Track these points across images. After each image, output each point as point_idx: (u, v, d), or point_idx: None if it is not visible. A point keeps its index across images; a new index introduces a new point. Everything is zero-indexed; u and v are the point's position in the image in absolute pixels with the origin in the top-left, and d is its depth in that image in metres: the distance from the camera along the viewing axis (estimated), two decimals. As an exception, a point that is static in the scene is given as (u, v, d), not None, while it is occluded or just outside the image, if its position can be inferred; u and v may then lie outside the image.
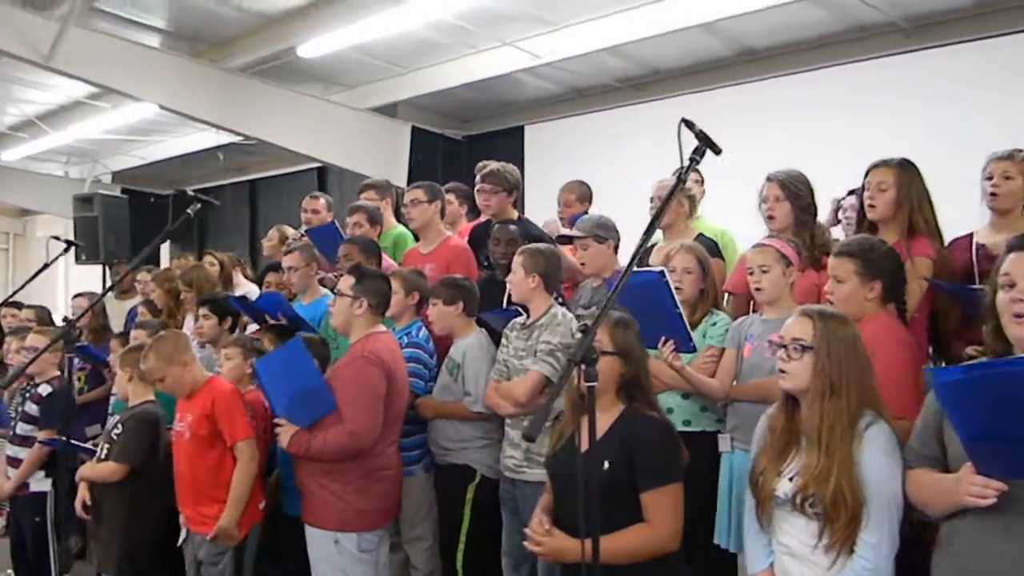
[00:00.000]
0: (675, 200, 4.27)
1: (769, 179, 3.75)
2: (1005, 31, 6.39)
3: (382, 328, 3.69)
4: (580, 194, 5.42)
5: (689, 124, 2.24)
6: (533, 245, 3.76)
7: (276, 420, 3.60)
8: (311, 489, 3.56)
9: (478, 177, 5.38)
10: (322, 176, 11.45)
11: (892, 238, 3.34)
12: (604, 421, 2.67)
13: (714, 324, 3.58)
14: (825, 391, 2.44)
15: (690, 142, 2.32)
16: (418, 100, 9.33)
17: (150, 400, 4.07)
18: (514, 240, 4.34)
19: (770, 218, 3.73)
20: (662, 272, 3.32)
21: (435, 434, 3.94)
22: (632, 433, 2.63)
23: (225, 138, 9.87)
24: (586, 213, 5.51)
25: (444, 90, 8.90)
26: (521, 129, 9.38)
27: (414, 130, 9.47)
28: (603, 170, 7.10)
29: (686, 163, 2.25)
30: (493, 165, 4.80)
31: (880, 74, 6.88)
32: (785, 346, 2.51)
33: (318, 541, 3.51)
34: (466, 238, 4.93)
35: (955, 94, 6.44)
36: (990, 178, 3.44)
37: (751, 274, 3.35)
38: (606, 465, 2.59)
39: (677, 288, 3.47)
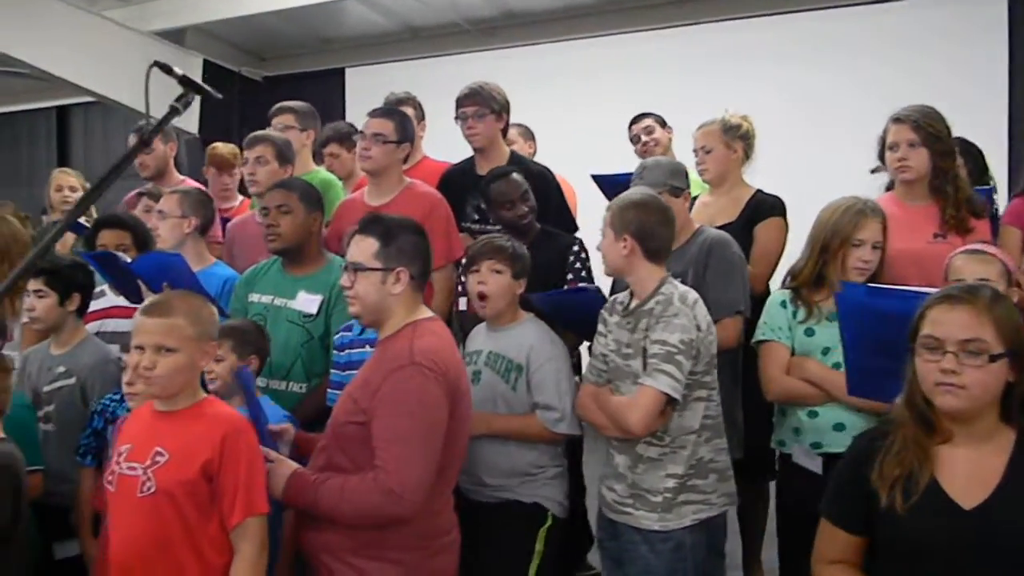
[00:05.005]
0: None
1: (898, 120, 2.96)
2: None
3: (427, 312, 2.43)
4: (523, 131, 4.37)
5: None
6: (624, 197, 2.66)
7: (266, 453, 2.26)
8: (329, 570, 2.26)
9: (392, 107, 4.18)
10: (63, 117, 9.22)
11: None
12: (991, 460, 1.79)
13: None
14: None
15: None
16: (212, 27, 7.65)
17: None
18: (527, 193, 3.24)
19: (902, 169, 2.94)
20: None
21: (475, 462, 2.72)
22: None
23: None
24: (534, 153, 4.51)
25: (246, 17, 7.34)
26: (341, 72, 7.96)
27: (206, 65, 7.73)
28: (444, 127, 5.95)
29: None
30: (472, 84, 3.62)
31: (757, 34, 6.41)
32: None
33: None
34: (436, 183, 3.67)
35: (817, 59, 6.11)
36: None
37: None
38: None
39: (864, 269, 2.66)
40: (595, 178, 3.68)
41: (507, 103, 3.65)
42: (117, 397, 2.98)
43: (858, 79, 5.82)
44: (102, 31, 7.08)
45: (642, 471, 2.50)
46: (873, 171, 3.67)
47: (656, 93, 5.67)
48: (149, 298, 2.98)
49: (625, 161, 4.41)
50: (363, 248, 2.34)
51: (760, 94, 5.39)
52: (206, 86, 1.85)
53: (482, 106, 3.56)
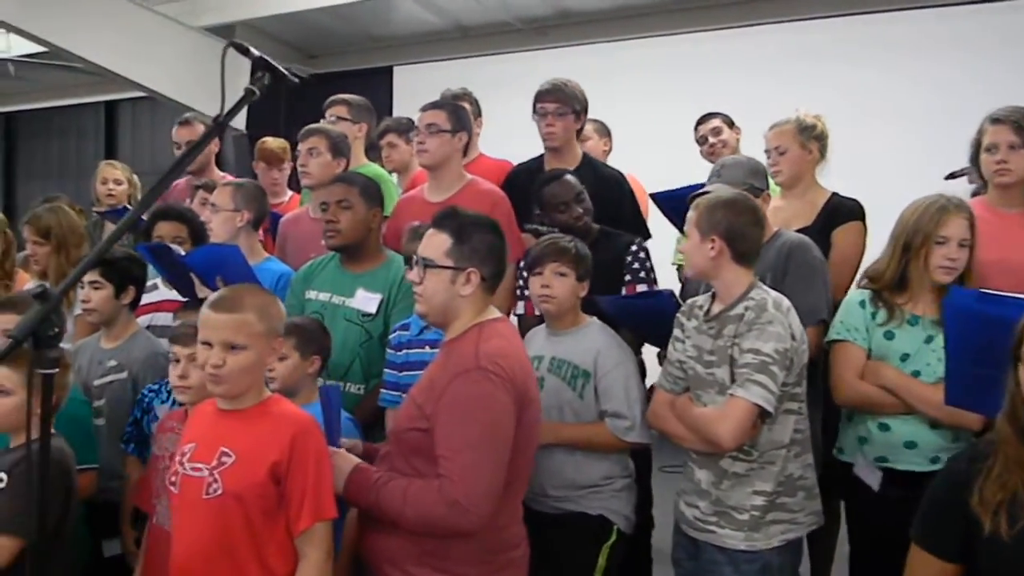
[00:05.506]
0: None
1: (997, 120, 2.80)
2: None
3: (496, 312, 2.31)
4: (598, 127, 4.25)
5: None
6: (712, 196, 2.52)
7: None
8: (392, 579, 2.15)
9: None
10: (111, 112, 9.24)
11: None
12: None
13: None
14: None
15: None
16: (262, 23, 7.60)
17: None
18: (581, 195, 3.12)
19: (1002, 172, 2.78)
20: None
21: (540, 472, 2.60)
22: None
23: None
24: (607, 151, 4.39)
25: (295, 13, 7.30)
26: (389, 71, 7.90)
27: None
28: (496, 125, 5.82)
29: None
30: (554, 80, 3.51)
31: (814, 36, 6.24)
32: None
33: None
34: (500, 182, 3.56)
35: (888, 61, 5.94)
36: None
37: None
38: None
39: (951, 268, 2.48)
40: (654, 197, 3.38)
41: (587, 104, 3.54)
42: (156, 388, 2.91)
43: (923, 81, 5.67)
44: (153, 26, 7.05)
45: (727, 487, 2.37)
46: (948, 177, 3.52)
47: (714, 94, 5.46)
48: (214, 292, 2.92)
49: (685, 164, 4.28)
50: (435, 243, 2.22)
51: (824, 95, 5.21)
52: (283, 68, 1.75)
53: (564, 104, 3.45)
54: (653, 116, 6.23)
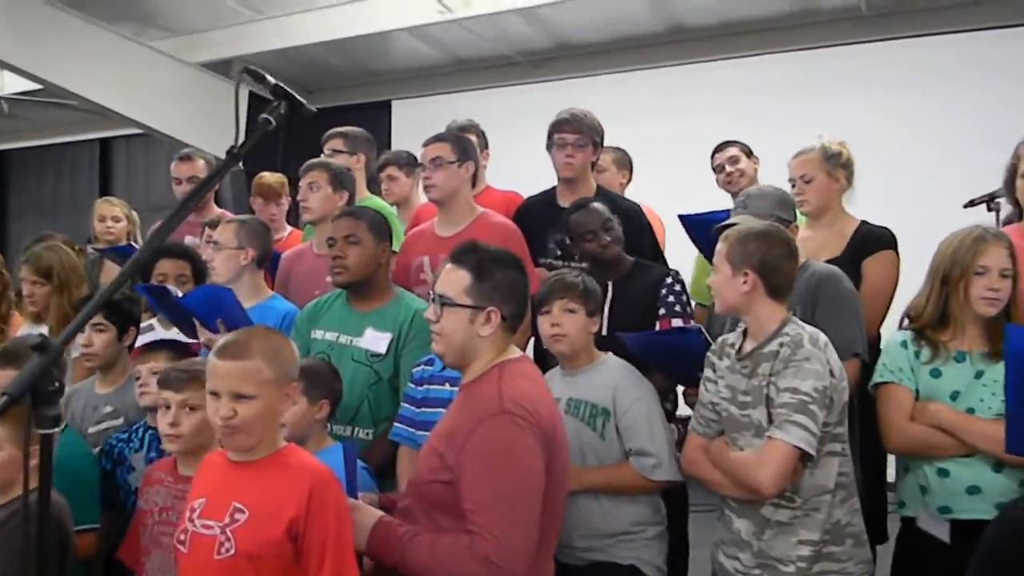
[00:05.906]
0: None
1: None
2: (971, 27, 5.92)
3: (516, 351, 2.18)
4: (618, 158, 4.13)
5: None
6: (743, 227, 2.40)
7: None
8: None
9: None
10: (106, 149, 9.14)
11: None
12: None
13: None
14: None
15: None
16: (259, 59, 7.50)
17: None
18: (609, 222, 3.00)
19: (1038, 198, 2.69)
20: None
21: (565, 521, 2.44)
22: None
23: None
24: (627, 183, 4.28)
25: (293, 48, 7.23)
26: (388, 105, 7.81)
27: (252, 96, 7.60)
28: (500, 161, 5.30)
29: None
30: (573, 110, 3.41)
31: (833, 63, 6.20)
32: None
33: None
34: (509, 214, 3.44)
35: (916, 86, 5.90)
36: None
37: None
38: None
39: (994, 299, 2.36)
40: (682, 219, 3.29)
41: (604, 136, 3.47)
42: (124, 437, 2.77)
43: (953, 105, 5.63)
44: (149, 62, 6.97)
45: (770, 537, 2.23)
46: (968, 205, 3.40)
47: (722, 124, 5.42)
48: (215, 334, 2.78)
49: (691, 198, 4.16)
50: (453, 280, 2.09)
51: (835, 123, 5.14)
52: (300, 97, 1.63)
53: (584, 135, 3.36)
54: (655, 148, 6.14)
